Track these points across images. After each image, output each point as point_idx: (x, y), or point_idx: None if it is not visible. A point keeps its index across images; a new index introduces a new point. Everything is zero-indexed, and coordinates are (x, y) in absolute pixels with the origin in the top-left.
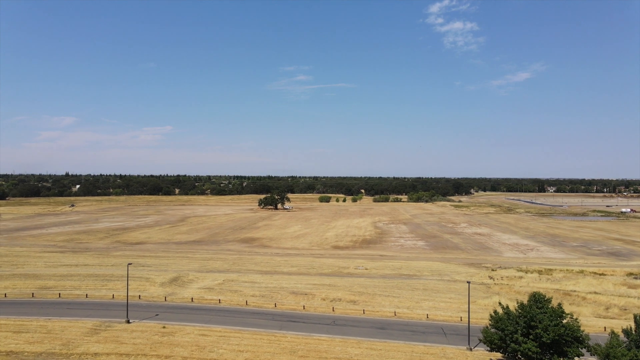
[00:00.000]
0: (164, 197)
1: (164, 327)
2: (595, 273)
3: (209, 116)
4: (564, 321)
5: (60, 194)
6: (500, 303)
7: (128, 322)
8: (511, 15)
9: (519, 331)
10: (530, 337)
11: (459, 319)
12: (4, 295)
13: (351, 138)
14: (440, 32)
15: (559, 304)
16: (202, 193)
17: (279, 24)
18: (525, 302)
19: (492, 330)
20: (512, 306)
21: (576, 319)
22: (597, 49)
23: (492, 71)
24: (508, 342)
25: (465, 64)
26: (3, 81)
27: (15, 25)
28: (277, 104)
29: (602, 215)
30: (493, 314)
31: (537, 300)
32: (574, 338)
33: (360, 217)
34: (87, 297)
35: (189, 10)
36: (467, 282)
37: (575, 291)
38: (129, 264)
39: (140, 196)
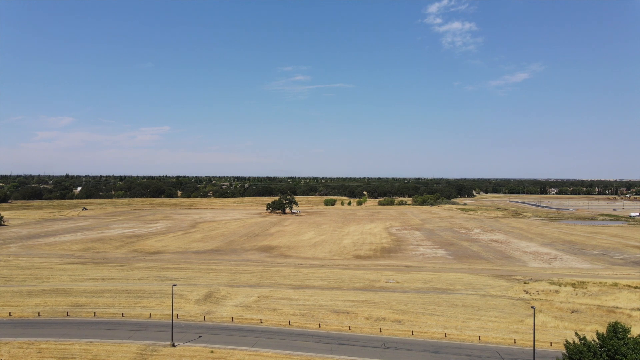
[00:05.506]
0: (168, 200)
1: (212, 352)
2: (629, 286)
3: (206, 116)
4: None
5: (63, 197)
6: (577, 333)
7: (173, 345)
8: (510, 16)
9: None
10: None
11: (512, 341)
12: (37, 314)
13: (350, 138)
14: (438, 32)
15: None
16: (205, 195)
17: (277, 24)
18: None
19: None
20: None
21: None
22: (596, 49)
23: (491, 71)
24: None
25: (463, 65)
26: (1, 81)
27: (15, 25)
28: (275, 104)
29: (611, 220)
30: (568, 344)
31: (616, 330)
32: None
33: (370, 222)
34: (123, 316)
35: (187, 10)
36: (532, 307)
37: (618, 307)
38: (174, 285)
39: (143, 199)
